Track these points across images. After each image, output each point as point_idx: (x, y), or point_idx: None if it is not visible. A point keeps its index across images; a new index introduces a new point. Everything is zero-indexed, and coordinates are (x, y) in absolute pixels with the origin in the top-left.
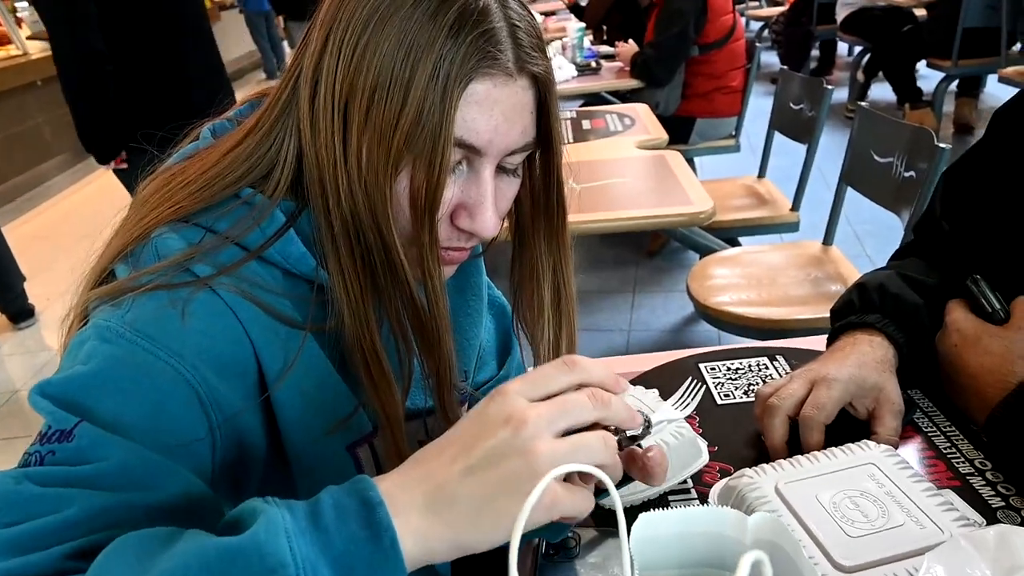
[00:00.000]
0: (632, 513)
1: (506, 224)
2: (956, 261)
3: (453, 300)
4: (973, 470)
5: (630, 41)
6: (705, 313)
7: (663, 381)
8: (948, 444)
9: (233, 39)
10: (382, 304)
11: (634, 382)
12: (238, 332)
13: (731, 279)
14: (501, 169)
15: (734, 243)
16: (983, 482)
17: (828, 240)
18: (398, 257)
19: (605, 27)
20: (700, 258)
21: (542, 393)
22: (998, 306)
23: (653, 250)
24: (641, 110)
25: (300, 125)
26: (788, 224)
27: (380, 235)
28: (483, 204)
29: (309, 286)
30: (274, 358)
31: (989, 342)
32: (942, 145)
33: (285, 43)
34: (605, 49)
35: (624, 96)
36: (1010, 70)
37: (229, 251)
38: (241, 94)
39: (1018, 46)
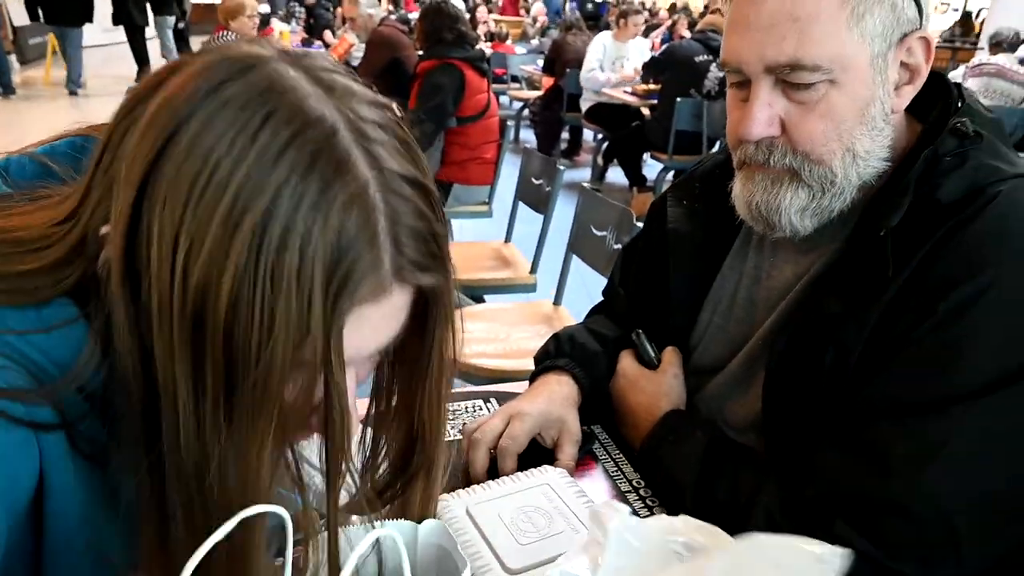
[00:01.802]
0: None
1: None
2: (629, 318)
3: None
4: (631, 488)
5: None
6: None
7: None
8: (615, 468)
9: None
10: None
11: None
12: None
13: (473, 333)
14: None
15: (480, 300)
16: (636, 497)
17: (558, 300)
18: None
19: (374, 89)
20: None
21: None
22: (653, 355)
23: None
24: None
25: (116, 320)
26: (527, 285)
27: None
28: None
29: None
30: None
31: (644, 384)
32: (639, 224)
33: (13, 56)
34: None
35: None
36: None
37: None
38: None
39: (716, 146)
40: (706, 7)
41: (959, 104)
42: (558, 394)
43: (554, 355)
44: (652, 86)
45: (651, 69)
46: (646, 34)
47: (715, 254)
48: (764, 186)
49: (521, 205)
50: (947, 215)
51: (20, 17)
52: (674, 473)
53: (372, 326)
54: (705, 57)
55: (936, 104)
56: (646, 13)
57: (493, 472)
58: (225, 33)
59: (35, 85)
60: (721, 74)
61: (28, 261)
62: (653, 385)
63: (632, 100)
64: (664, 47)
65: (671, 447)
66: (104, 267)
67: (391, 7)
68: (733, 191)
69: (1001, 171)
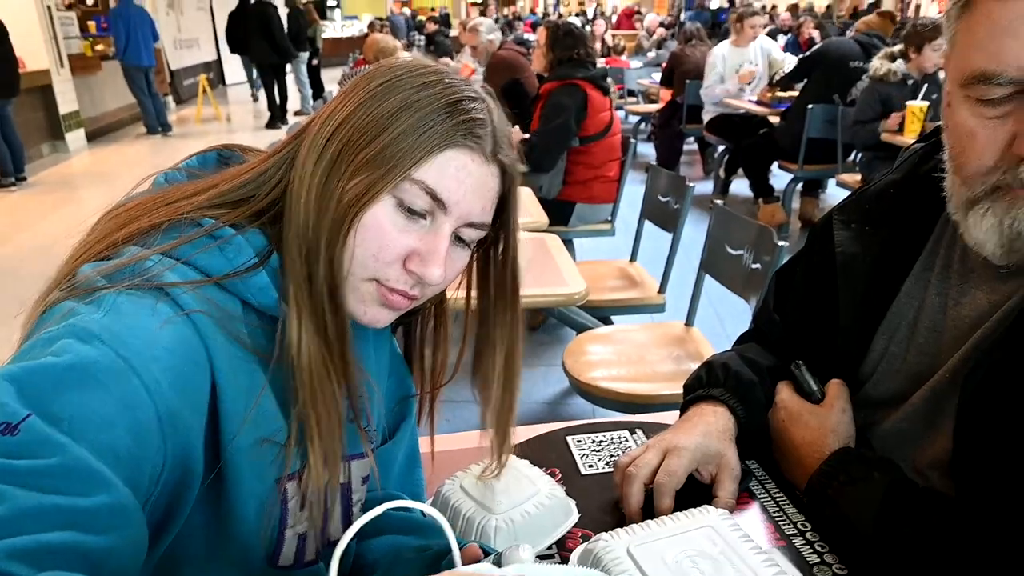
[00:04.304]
0: None
1: (458, 295)
2: (785, 347)
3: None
4: (796, 531)
5: (517, 128)
6: (579, 388)
7: (534, 452)
8: (776, 508)
9: (111, 90)
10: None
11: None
12: (202, 356)
13: (603, 356)
14: (457, 239)
15: (607, 321)
16: (803, 541)
17: (690, 321)
18: (342, 291)
19: None
20: (576, 335)
21: None
22: (815, 388)
23: (534, 326)
24: (524, 193)
25: (296, 160)
26: (655, 305)
27: (331, 266)
28: (436, 254)
29: (262, 318)
30: (231, 386)
31: (808, 419)
32: (780, 243)
33: (169, 98)
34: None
35: None
36: (845, 176)
37: (189, 273)
38: (116, 148)
39: (852, 155)
40: (829, 7)
41: None
42: (715, 427)
43: (707, 384)
44: (782, 93)
45: (796, 74)
46: (771, 36)
47: (890, 279)
48: None
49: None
50: None
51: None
52: (849, 517)
53: (470, 173)
54: (860, 63)
55: None
56: (765, 16)
57: (646, 509)
58: (367, 67)
59: (188, 123)
60: (866, 83)
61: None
62: (818, 420)
63: (758, 109)
64: (816, 47)
65: (844, 488)
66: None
67: (506, 29)
68: (973, 220)
69: None
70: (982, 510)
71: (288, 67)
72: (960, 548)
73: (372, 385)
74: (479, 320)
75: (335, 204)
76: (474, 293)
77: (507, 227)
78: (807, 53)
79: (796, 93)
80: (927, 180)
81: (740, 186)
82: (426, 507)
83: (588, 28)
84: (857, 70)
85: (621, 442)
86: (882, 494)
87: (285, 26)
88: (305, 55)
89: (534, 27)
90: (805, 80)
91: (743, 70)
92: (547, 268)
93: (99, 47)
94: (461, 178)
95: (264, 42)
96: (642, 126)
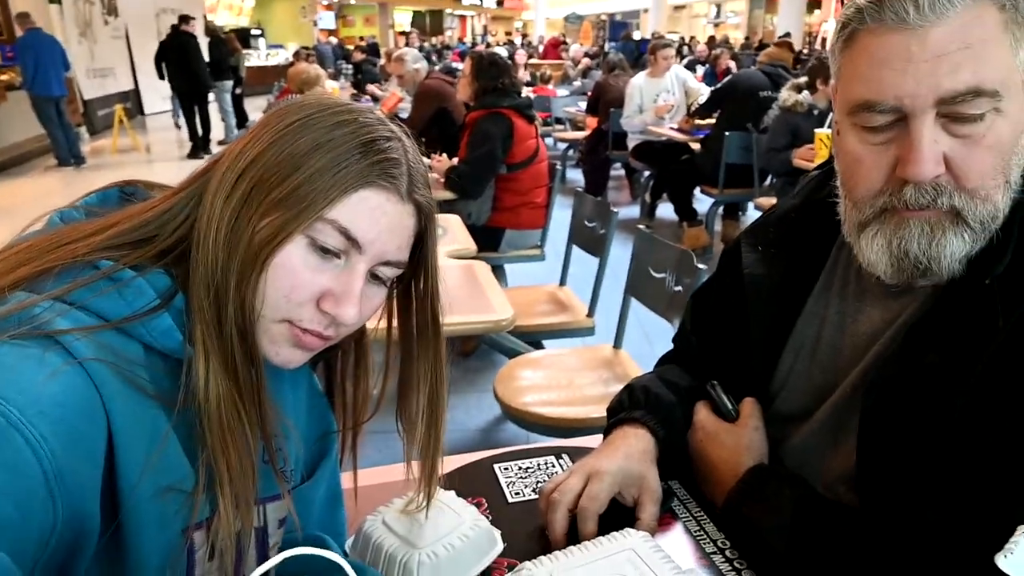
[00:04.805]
0: None
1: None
2: (703, 367)
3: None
4: (716, 549)
5: (444, 155)
6: (510, 414)
7: (460, 483)
8: (697, 527)
9: (20, 121)
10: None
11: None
12: (96, 406)
13: (534, 381)
14: (374, 276)
15: (538, 346)
16: (723, 559)
17: (618, 343)
18: (252, 332)
19: (424, 139)
20: (507, 361)
21: None
22: (731, 406)
23: (467, 352)
24: (453, 221)
25: (203, 197)
26: (585, 329)
27: (242, 308)
28: (350, 293)
29: (166, 361)
30: (129, 434)
31: (724, 437)
32: (700, 266)
33: (83, 128)
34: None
35: (440, 206)
36: (762, 199)
37: (84, 319)
38: (24, 181)
39: (769, 180)
40: (747, 39)
41: None
42: (636, 448)
43: (628, 407)
44: (700, 121)
45: (710, 104)
46: (690, 68)
47: (794, 298)
48: (922, 232)
49: (573, 248)
50: None
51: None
52: (762, 533)
53: (385, 212)
54: (770, 93)
55: None
56: (675, 47)
57: (571, 534)
58: (292, 96)
59: (103, 154)
60: (777, 112)
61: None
62: (733, 439)
63: (679, 136)
64: (726, 79)
65: (757, 505)
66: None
67: (435, 58)
68: (865, 242)
69: None
70: (886, 522)
71: (211, 96)
72: (867, 561)
73: (288, 425)
74: (402, 358)
75: (246, 244)
76: (396, 327)
77: (425, 265)
78: (718, 85)
79: (713, 120)
80: (823, 205)
81: (666, 210)
82: (328, 553)
83: (511, 58)
84: (767, 99)
85: (548, 468)
86: (792, 510)
87: (207, 55)
88: (229, 84)
89: (462, 56)
90: (719, 110)
91: (659, 103)
92: (475, 295)
93: (4, 77)
94: (376, 217)
95: (182, 71)
96: (571, 152)
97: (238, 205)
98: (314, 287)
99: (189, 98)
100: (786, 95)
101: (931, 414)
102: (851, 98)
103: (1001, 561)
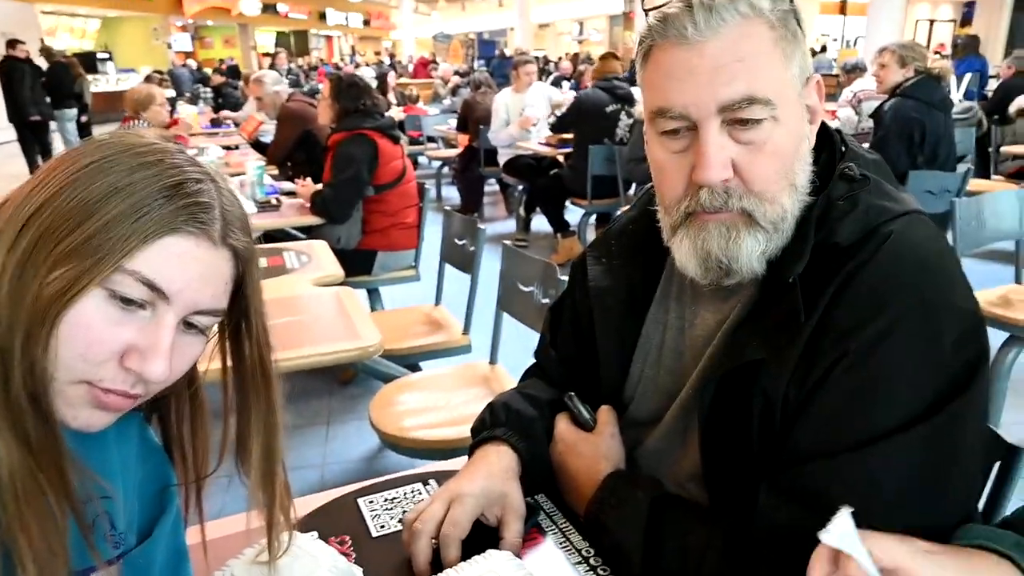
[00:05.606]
0: None
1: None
2: (563, 379)
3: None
4: (580, 559)
5: (309, 180)
6: (386, 440)
7: (321, 522)
8: (563, 539)
9: None
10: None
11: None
12: None
13: (411, 404)
14: (189, 325)
15: (416, 368)
16: (587, 568)
17: (493, 359)
18: (46, 396)
19: (290, 164)
20: (384, 386)
21: None
22: (588, 416)
23: (345, 379)
24: (317, 247)
25: None
26: (462, 347)
27: (31, 371)
28: (157, 348)
29: None
30: None
31: (583, 447)
32: (562, 277)
33: None
34: (288, 185)
35: (309, 230)
36: (628, 207)
37: None
38: None
39: (633, 188)
40: (605, 56)
41: (843, 149)
42: (497, 467)
43: (490, 425)
44: (566, 136)
45: (562, 125)
46: (556, 84)
47: (638, 307)
48: (720, 233)
49: (448, 266)
50: (846, 257)
51: None
52: (619, 538)
53: (196, 258)
54: (615, 106)
55: (822, 149)
56: (536, 63)
57: (436, 562)
58: (136, 123)
59: None
60: (631, 120)
61: None
62: (591, 448)
63: (546, 150)
64: (571, 104)
65: (614, 511)
66: None
67: (302, 79)
68: (676, 246)
69: (890, 210)
70: (732, 516)
71: (53, 125)
72: (717, 555)
73: (106, 487)
74: (236, 409)
75: (32, 300)
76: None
77: (248, 313)
78: (564, 111)
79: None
80: (655, 215)
81: (541, 222)
82: None
83: (382, 79)
84: (614, 112)
85: (414, 496)
86: (647, 512)
87: (45, 81)
88: (72, 112)
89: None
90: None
91: (523, 116)
92: (341, 323)
93: None
94: (184, 265)
95: (10, 101)
96: (445, 170)
97: (23, 257)
98: (115, 343)
99: (25, 128)
100: (639, 108)
101: (762, 408)
102: (649, 106)
103: (824, 536)
